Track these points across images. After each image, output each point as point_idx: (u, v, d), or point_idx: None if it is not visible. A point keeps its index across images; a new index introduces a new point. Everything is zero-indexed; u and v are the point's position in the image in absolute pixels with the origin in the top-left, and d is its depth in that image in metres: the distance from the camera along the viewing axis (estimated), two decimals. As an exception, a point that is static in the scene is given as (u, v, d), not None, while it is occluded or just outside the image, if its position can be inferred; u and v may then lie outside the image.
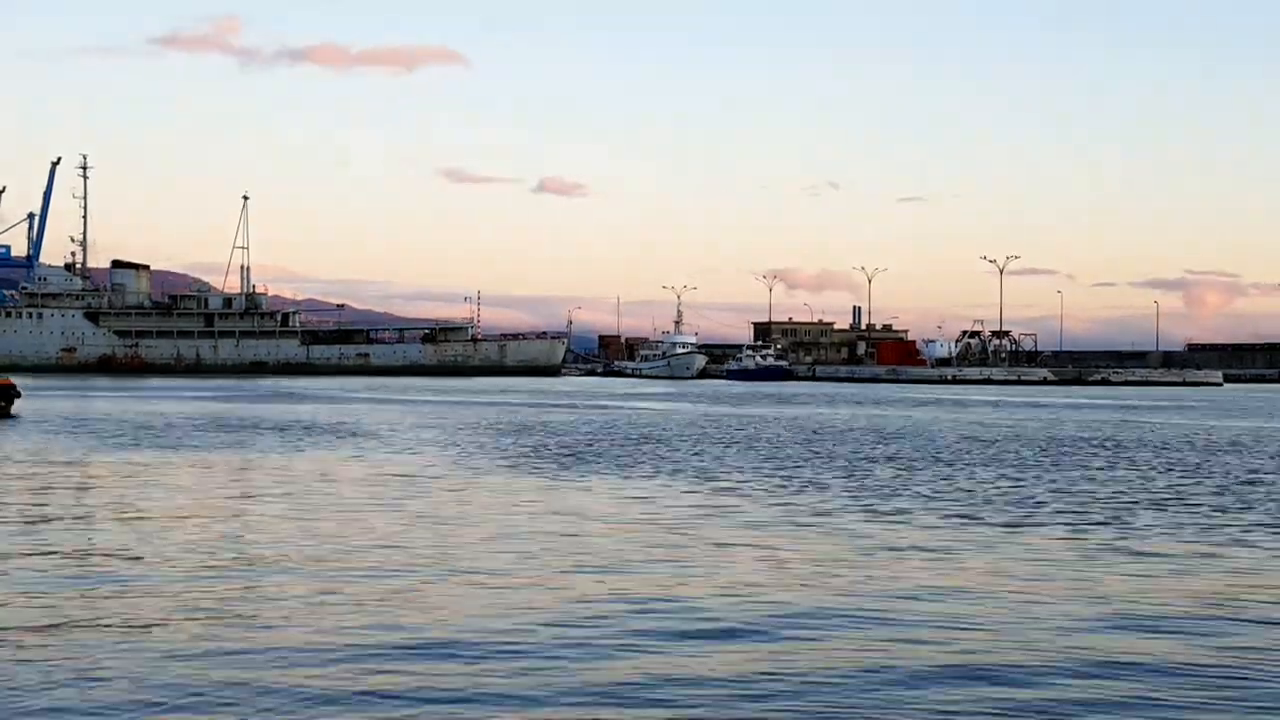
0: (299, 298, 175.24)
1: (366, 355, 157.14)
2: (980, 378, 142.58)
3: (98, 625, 12.48)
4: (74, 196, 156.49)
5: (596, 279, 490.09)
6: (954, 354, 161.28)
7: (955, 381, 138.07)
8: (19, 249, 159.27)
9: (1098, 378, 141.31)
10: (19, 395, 57.36)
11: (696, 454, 35.08)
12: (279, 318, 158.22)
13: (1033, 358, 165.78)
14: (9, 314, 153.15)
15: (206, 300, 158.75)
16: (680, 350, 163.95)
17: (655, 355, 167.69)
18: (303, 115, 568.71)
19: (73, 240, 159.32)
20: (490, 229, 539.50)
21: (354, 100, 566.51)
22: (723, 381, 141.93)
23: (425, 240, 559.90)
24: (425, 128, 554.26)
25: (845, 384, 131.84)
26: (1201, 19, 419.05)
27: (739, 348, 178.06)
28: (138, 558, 16.57)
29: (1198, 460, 34.60)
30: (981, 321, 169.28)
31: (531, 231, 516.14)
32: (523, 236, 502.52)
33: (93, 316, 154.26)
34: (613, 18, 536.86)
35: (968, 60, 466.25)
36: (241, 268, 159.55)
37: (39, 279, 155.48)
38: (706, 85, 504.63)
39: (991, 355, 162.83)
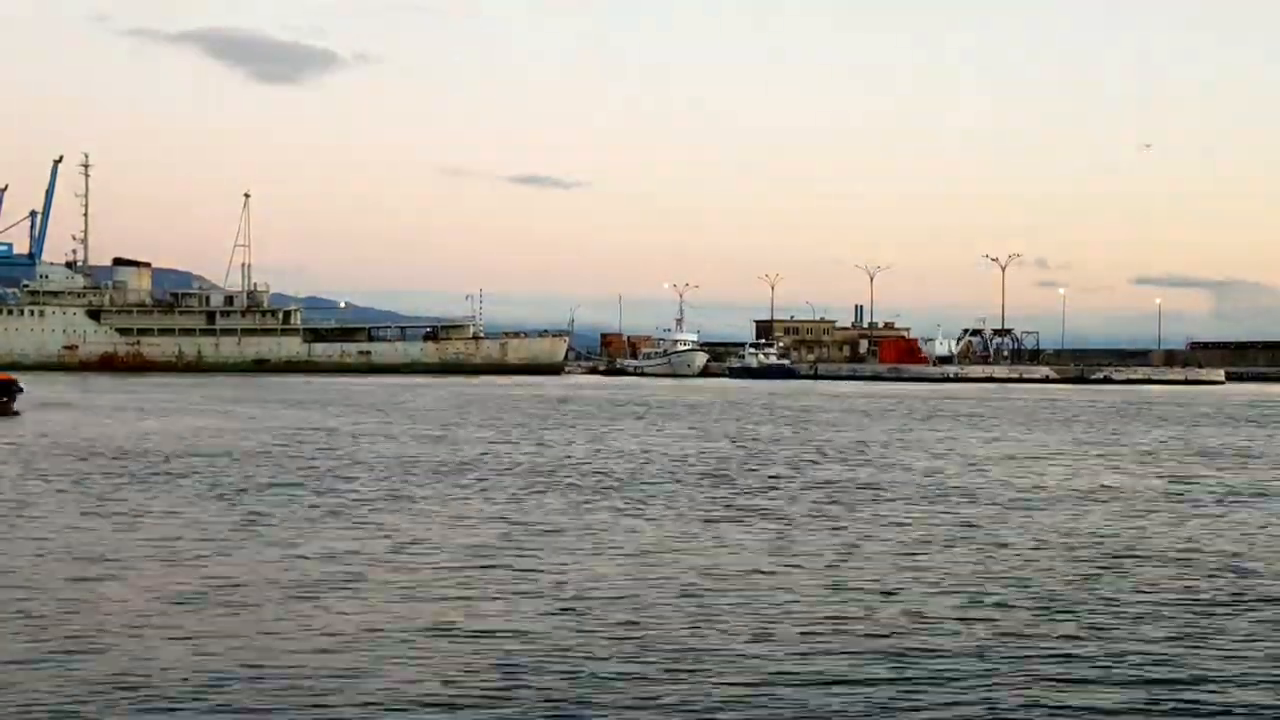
0: (300, 295, 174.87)
1: (368, 353, 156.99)
2: (982, 375, 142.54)
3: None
4: (76, 195, 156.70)
5: (598, 277, 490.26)
6: (955, 352, 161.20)
7: (957, 380, 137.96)
8: (21, 247, 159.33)
9: (1100, 376, 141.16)
10: (21, 390, 57.50)
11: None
12: (280, 315, 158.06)
13: (1035, 356, 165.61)
14: (11, 312, 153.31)
15: (208, 298, 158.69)
16: (682, 348, 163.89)
17: (657, 353, 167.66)
18: (303, 112, 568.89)
19: (74, 238, 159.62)
20: (492, 226, 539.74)
21: (355, 97, 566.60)
22: (726, 380, 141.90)
23: (427, 237, 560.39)
24: (427, 124, 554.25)
25: (849, 382, 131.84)
26: (1202, 9, 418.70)
27: (741, 346, 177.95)
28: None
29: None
30: (984, 319, 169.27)
31: (534, 228, 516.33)
32: (525, 234, 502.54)
33: (94, 314, 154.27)
34: (617, 15, 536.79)
35: (970, 55, 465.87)
36: (243, 265, 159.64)
37: (41, 277, 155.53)
38: (711, 83, 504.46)
39: (994, 353, 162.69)
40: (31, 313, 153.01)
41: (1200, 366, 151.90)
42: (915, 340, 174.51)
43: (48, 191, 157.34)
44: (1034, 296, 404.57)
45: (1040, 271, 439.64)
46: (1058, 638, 13.42)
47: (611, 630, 13.53)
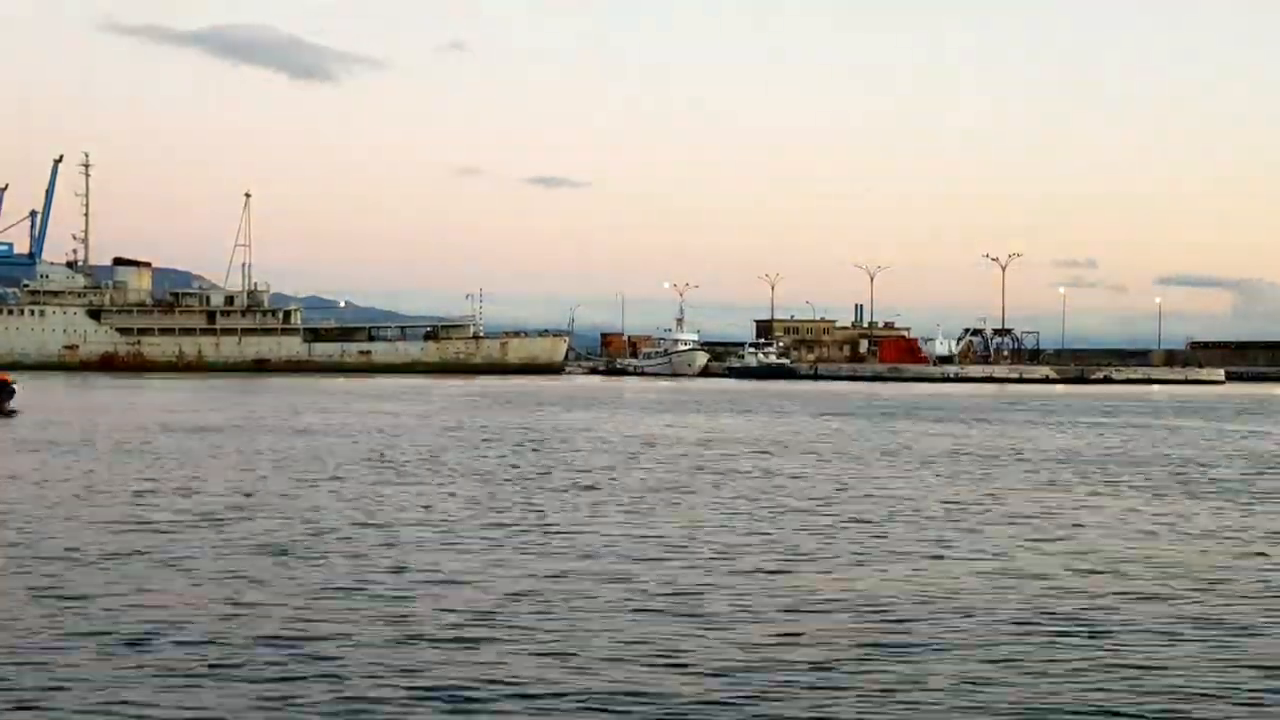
0: (300, 295, 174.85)
1: (369, 353, 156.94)
2: (982, 375, 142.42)
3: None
4: (76, 194, 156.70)
5: (599, 277, 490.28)
6: (956, 352, 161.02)
7: (957, 380, 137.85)
8: (21, 246, 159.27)
9: (1100, 375, 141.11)
10: (14, 392, 57.41)
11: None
12: (281, 315, 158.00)
13: (1035, 355, 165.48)
14: (11, 311, 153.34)
15: (208, 298, 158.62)
16: (682, 348, 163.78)
17: (657, 353, 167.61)
18: (304, 112, 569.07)
19: (75, 238, 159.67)
20: (493, 226, 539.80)
21: (355, 97, 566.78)
22: (726, 380, 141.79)
23: (428, 237, 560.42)
24: (427, 124, 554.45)
25: (850, 382, 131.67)
26: (1201, 9, 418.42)
27: (741, 346, 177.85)
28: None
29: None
30: (984, 319, 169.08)
31: (534, 228, 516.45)
32: (526, 233, 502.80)
33: (95, 314, 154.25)
34: (617, 14, 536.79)
35: (970, 55, 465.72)
36: (243, 265, 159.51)
37: (41, 276, 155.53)
38: (711, 83, 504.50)
39: (994, 353, 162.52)
40: (32, 312, 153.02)
41: (1200, 366, 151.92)
42: (915, 340, 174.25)
43: (48, 191, 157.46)
44: (1037, 296, 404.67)
45: (1045, 272, 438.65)
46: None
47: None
